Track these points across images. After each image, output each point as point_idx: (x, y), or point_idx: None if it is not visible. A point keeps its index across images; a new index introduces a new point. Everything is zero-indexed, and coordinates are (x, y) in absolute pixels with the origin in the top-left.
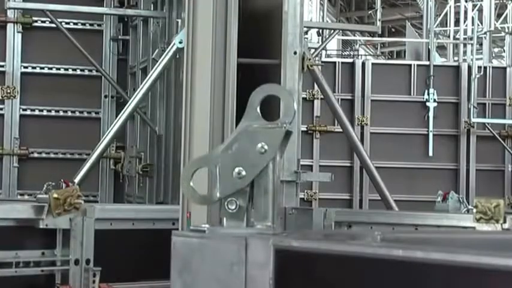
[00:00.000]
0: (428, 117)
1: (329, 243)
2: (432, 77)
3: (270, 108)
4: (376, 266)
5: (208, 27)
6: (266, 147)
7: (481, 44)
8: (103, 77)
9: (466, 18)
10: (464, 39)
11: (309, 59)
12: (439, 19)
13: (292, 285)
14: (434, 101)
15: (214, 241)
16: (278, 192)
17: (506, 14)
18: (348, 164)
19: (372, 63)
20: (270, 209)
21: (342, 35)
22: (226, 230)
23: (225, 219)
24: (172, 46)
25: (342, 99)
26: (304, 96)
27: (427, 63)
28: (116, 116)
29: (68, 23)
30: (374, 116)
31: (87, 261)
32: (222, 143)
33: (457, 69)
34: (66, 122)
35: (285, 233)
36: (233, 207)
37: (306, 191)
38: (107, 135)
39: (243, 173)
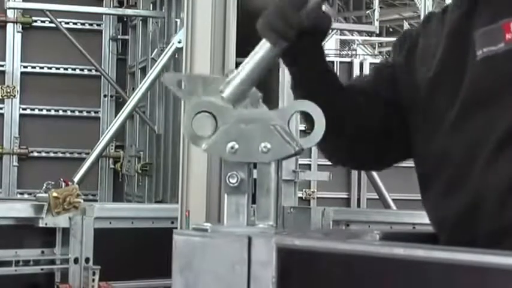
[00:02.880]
0: None
1: (332, 242)
2: None
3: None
4: (377, 265)
5: (207, 27)
6: (269, 148)
7: None
8: (102, 77)
9: None
10: None
11: None
12: None
13: (294, 283)
14: None
15: (216, 240)
16: (280, 191)
17: None
18: None
19: (370, 63)
20: (272, 209)
21: (340, 35)
22: (228, 229)
23: (226, 195)
24: (171, 46)
25: None
26: None
27: None
28: (115, 116)
29: (67, 23)
30: None
31: (87, 260)
32: (245, 112)
33: None
34: (66, 121)
35: (285, 232)
36: (234, 180)
37: (304, 190)
38: (106, 134)
39: (236, 147)
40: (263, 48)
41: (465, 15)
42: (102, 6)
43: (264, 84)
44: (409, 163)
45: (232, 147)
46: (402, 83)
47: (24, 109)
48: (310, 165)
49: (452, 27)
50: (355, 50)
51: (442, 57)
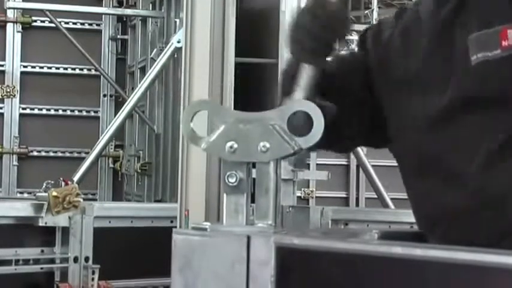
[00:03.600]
0: None
1: (331, 241)
2: None
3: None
4: (376, 264)
5: (206, 27)
6: (268, 147)
7: None
8: (102, 76)
9: None
10: None
11: None
12: None
13: (293, 282)
14: None
15: (215, 239)
16: (279, 191)
17: None
18: (345, 163)
19: None
20: (271, 208)
21: None
22: (227, 228)
23: (225, 195)
24: (170, 45)
25: None
26: None
27: None
28: (115, 115)
29: (67, 23)
30: None
31: (86, 259)
32: (244, 112)
33: None
34: (66, 121)
35: (284, 231)
36: (233, 180)
37: (303, 189)
38: (105, 133)
39: (235, 146)
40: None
41: (452, 13)
42: (101, 6)
43: (263, 84)
44: None
45: (231, 147)
46: (377, 77)
47: (24, 109)
48: (309, 164)
49: (437, 26)
50: (353, 49)
51: (426, 55)
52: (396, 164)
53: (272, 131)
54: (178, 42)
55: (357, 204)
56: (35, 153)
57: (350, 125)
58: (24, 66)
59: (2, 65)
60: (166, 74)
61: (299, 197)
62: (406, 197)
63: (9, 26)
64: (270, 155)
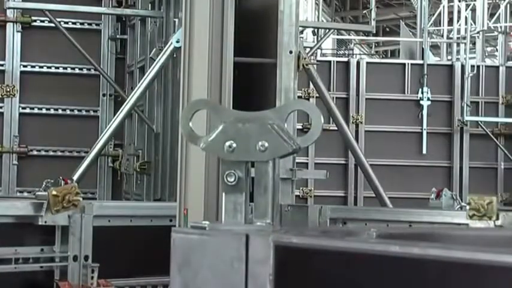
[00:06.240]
0: (422, 115)
1: (329, 240)
2: (426, 76)
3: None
4: (374, 262)
5: (205, 27)
6: (266, 146)
7: (474, 43)
8: (101, 76)
9: (459, 17)
10: (458, 38)
11: (305, 58)
12: (433, 19)
13: (291, 280)
14: (428, 99)
15: (214, 238)
16: (277, 190)
17: (499, 14)
18: (343, 162)
19: (367, 62)
20: (269, 207)
21: (337, 35)
22: (226, 227)
23: (224, 194)
24: (169, 45)
25: (336, 98)
26: (300, 94)
27: (421, 62)
28: (114, 114)
29: (66, 23)
30: (368, 114)
31: (86, 258)
32: (243, 112)
33: (451, 68)
34: (65, 120)
35: (283, 230)
36: (232, 179)
37: (301, 188)
38: (105, 133)
39: (234, 145)
40: None
41: None
42: (101, 6)
43: (262, 84)
44: (405, 162)
45: (230, 146)
46: None
47: (23, 108)
48: (307, 163)
49: None
50: (352, 49)
51: None
52: (394, 164)
53: (271, 130)
54: (177, 42)
55: (355, 203)
56: (35, 152)
57: None
58: (24, 66)
59: (2, 65)
60: (166, 74)
61: (297, 196)
62: (404, 196)
63: (9, 26)
64: (269, 154)
